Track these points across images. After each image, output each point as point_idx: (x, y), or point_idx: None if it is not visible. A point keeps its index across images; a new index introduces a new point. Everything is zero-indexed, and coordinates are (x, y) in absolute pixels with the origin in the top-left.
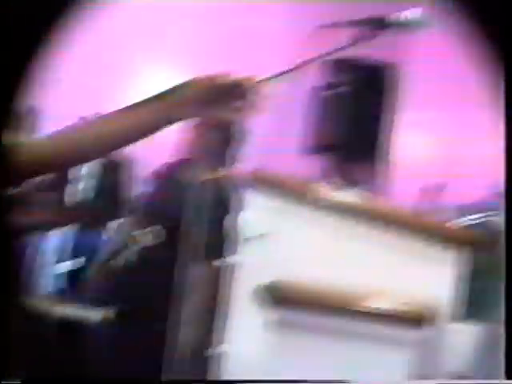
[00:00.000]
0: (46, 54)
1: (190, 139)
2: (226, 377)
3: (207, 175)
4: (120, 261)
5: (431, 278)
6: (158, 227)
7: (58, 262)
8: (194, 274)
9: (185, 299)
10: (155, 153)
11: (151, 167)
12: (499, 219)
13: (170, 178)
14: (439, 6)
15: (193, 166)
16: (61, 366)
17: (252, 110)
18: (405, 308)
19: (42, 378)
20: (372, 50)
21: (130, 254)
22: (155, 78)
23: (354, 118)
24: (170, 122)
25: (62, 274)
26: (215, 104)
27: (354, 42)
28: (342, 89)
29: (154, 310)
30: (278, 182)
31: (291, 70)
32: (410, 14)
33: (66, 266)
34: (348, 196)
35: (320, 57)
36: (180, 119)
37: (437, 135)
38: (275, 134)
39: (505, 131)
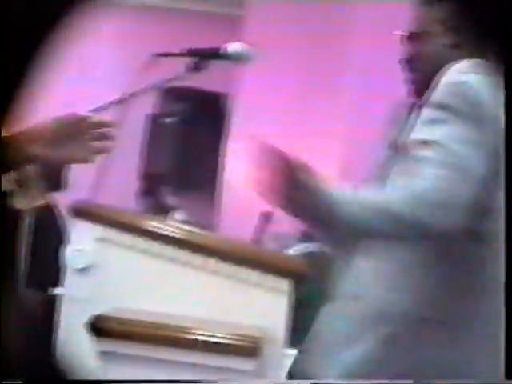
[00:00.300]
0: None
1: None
2: None
3: (36, 202)
4: None
5: (266, 307)
6: None
7: None
8: (25, 304)
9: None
10: None
11: None
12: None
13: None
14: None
15: (23, 192)
16: None
17: (101, 149)
18: (239, 338)
19: (42, 378)
20: (205, 81)
21: None
22: None
23: (186, 146)
24: (28, 159)
25: None
26: (64, 144)
27: (188, 71)
28: (174, 118)
29: None
30: (103, 213)
31: (126, 99)
32: (238, 47)
33: None
34: (179, 226)
35: (154, 86)
36: (36, 157)
37: None
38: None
39: (505, 131)
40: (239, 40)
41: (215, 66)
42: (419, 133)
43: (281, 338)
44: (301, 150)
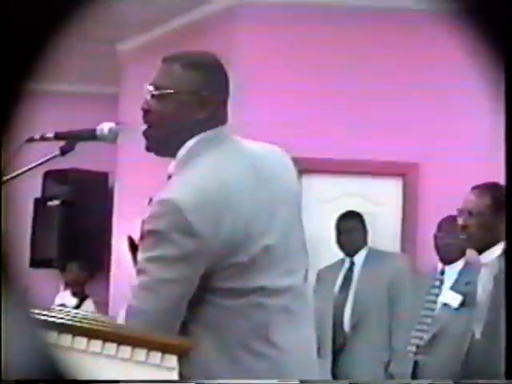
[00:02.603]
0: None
1: None
2: None
3: None
4: None
5: None
6: None
7: None
8: None
9: None
10: None
11: None
12: None
13: None
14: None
15: None
16: None
17: None
18: None
19: (36, 379)
20: (88, 160)
21: None
22: None
23: (72, 228)
24: None
25: None
26: None
27: (61, 153)
28: (57, 200)
29: None
30: None
31: (4, 182)
32: (106, 128)
33: None
34: (72, 315)
35: (29, 169)
36: None
37: None
38: None
39: (505, 131)
40: (113, 119)
41: (90, 145)
42: None
43: None
44: None
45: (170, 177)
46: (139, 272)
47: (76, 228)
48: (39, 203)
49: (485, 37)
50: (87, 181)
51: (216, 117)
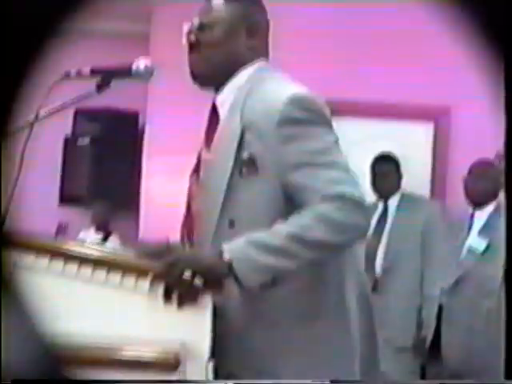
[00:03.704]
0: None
1: None
2: None
3: None
4: None
5: (187, 321)
6: None
7: None
8: None
9: None
10: None
11: None
12: None
13: None
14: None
15: None
16: None
17: None
18: (161, 354)
19: (32, 379)
20: (118, 100)
21: None
22: None
23: (102, 167)
24: None
25: None
26: None
27: (93, 91)
28: (88, 139)
29: None
30: (18, 239)
31: (37, 120)
32: (142, 65)
33: None
34: (94, 247)
35: (64, 106)
36: None
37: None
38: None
39: (505, 131)
40: (146, 57)
41: (124, 83)
42: (290, 154)
43: (204, 351)
44: None
45: (214, 108)
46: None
47: (105, 166)
48: (69, 141)
49: (485, 36)
50: (117, 120)
51: (263, 48)
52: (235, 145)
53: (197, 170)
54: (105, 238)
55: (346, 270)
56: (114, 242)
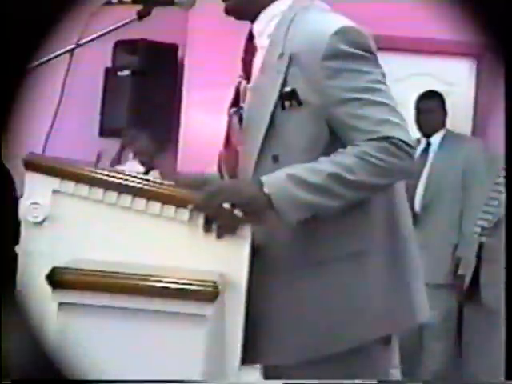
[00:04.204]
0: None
1: None
2: None
3: None
4: None
5: (226, 252)
6: None
7: None
8: None
9: None
10: None
11: None
12: None
13: None
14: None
15: None
16: None
17: None
18: (199, 283)
19: (32, 379)
20: (157, 31)
21: None
22: None
23: (142, 99)
24: None
25: None
26: None
27: (138, 17)
28: (127, 71)
29: None
30: (58, 165)
31: (74, 49)
32: None
33: None
34: (134, 175)
35: (103, 34)
36: None
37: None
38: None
39: (505, 131)
40: None
41: (164, 13)
42: (335, 89)
43: (242, 283)
44: None
45: (251, 37)
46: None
47: (145, 99)
48: (110, 73)
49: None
50: (157, 51)
51: None
52: (277, 77)
53: (235, 102)
54: (146, 172)
55: (395, 206)
56: (154, 175)
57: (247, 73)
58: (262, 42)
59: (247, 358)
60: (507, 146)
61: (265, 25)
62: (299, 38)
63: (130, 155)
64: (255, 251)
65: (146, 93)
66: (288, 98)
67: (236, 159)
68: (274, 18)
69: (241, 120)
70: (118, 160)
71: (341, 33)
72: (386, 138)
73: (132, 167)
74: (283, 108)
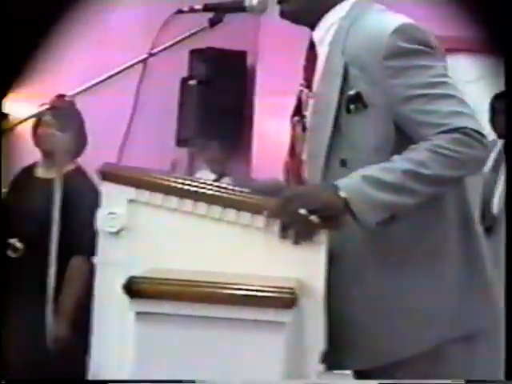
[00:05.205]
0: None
1: (38, 137)
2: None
3: (56, 172)
4: None
5: (303, 258)
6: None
7: None
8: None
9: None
10: None
11: None
12: None
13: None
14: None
15: (42, 165)
16: None
17: None
18: (277, 290)
19: (25, 379)
20: (228, 39)
21: None
22: None
23: (210, 108)
24: None
25: None
26: None
27: (210, 25)
28: (194, 80)
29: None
30: (133, 175)
31: (147, 58)
32: None
33: None
34: (209, 183)
35: (177, 42)
36: None
37: None
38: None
39: (505, 132)
40: None
41: (234, 21)
42: (400, 88)
43: (320, 289)
44: None
45: (312, 45)
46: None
47: (214, 107)
48: (184, 82)
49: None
50: (225, 59)
51: None
52: (339, 81)
53: (297, 111)
54: (218, 180)
55: (466, 202)
56: (226, 182)
57: (308, 81)
58: (322, 49)
59: (326, 364)
60: (507, 149)
61: (324, 32)
62: (359, 41)
63: (202, 164)
64: (332, 256)
65: (215, 101)
66: (353, 101)
67: (301, 168)
68: (332, 26)
69: (304, 128)
70: (189, 169)
71: (399, 30)
72: (457, 129)
73: (203, 176)
74: (348, 111)
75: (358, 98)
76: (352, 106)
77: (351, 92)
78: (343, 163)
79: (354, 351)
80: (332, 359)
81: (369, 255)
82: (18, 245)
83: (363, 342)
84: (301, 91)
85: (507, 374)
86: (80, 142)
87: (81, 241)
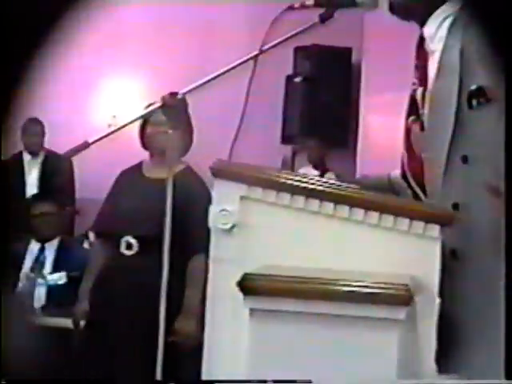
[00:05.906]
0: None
1: (148, 137)
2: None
3: (166, 173)
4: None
5: (417, 255)
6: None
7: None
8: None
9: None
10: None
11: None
12: None
13: (132, 180)
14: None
15: (152, 164)
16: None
17: None
18: (391, 287)
19: (25, 379)
20: (332, 36)
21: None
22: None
23: (314, 105)
24: None
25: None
26: None
27: (320, 20)
28: (299, 77)
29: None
30: (245, 171)
31: (258, 55)
32: None
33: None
34: (321, 179)
35: (286, 39)
36: None
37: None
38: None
39: (505, 132)
40: None
41: (342, 18)
42: None
43: (433, 286)
44: None
45: (421, 42)
46: None
47: (318, 104)
48: (288, 80)
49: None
50: (329, 56)
51: None
52: (457, 77)
53: (412, 110)
54: (321, 175)
55: None
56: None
57: (422, 79)
58: (434, 45)
59: (440, 366)
60: (507, 149)
61: (436, 28)
62: (479, 34)
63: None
64: (452, 254)
65: (318, 98)
66: (475, 96)
67: (422, 167)
68: (446, 20)
69: (422, 127)
70: (292, 166)
71: None
72: None
73: (306, 172)
74: (470, 107)
75: (480, 93)
76: (474, 101)
77: (473, 87)
78: (464, 160)
79: (464, 356)
80: (443, 361)
81: (488, 254)
82: (133, 241)
83: (475, 346)
84: (414, 90)
85: (507, 373)
86: (188, 141)
87: (201, 240)
